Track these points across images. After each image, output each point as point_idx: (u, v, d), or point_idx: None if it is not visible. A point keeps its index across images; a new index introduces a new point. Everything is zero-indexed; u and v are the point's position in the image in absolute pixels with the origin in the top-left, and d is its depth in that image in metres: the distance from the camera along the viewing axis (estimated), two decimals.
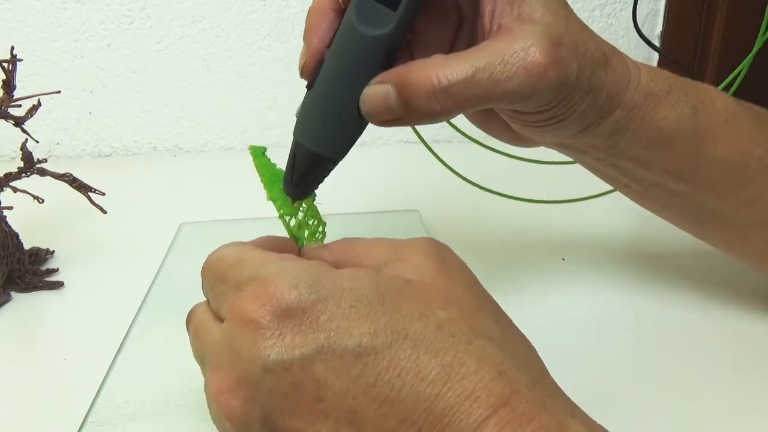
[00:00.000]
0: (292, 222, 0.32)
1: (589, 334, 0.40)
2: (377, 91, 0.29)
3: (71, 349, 0.40)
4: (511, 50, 0.28)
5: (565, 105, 0.31)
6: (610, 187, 0.41)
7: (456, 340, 0.22)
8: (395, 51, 0.30)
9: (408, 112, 0.29)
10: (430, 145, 0.52)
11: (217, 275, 0.26)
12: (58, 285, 0.47)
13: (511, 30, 0.29)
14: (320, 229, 0.33)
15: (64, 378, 0.38)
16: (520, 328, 0.26)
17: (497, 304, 0.26)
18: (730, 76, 0.47)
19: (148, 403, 0.34)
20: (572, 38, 0.30)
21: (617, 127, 0.33)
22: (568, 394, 0.24)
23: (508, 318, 0.26)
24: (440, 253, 0.26)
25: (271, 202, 0.32)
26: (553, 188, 0.55)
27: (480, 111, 0.37)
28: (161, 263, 0.47)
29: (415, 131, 0.51)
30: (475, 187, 0.53)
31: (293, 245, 0.31)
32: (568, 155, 0.38)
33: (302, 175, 0.31)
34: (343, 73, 0.29)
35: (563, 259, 0.49)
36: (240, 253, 0.26)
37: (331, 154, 0.31)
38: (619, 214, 0.55)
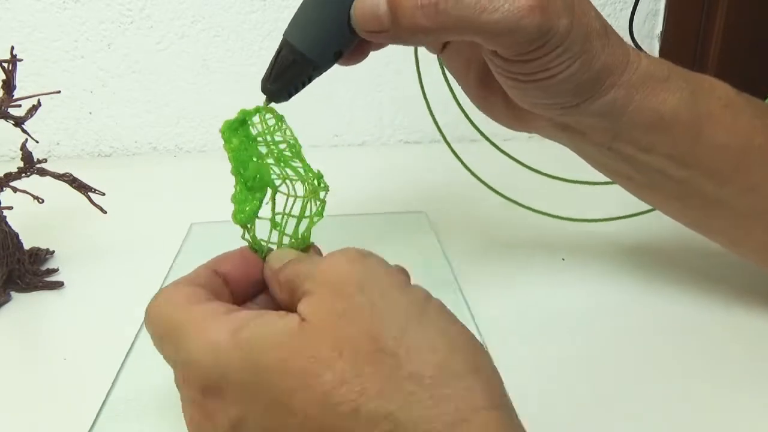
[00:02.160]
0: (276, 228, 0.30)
1: (590, 334, 0.40)
2: None
3: (71, 349, 0.40)
4: None
5: (553, 59, 0.31)
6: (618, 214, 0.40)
7: (341, 410, 0.21)
8: None
9: (395, 24, 0.30)
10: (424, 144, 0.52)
11: (155, 340, 0.27)
12: (58, 285, 0.47)
13: None
14: (317, 203, 0.30)
15: (63, 378, 0.38)
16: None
17: (413, 314, 0.23)
18: None
19: (162, 398, 0.34)
20: None
21: (615, 107, 0.33)
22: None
23: (430, 324, 0.23)
24: (337, 274, 0.24)
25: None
26: (566, 198, 0.55)
27: (478, 83, 0.38)
28: (172, 262, 0.47)
29: (440, 131, 0.51)
30: (479, 189, 0.53)
31: (252, 258, 0.30)
32: (567, 144, 0.38)
33: (281, 72, 0.32)
34: None
35: (563, 259, 0.49)
36: (167, 320, 0.27)
37: (312, 55, 0.31)
38: (619, 213, 0.55)
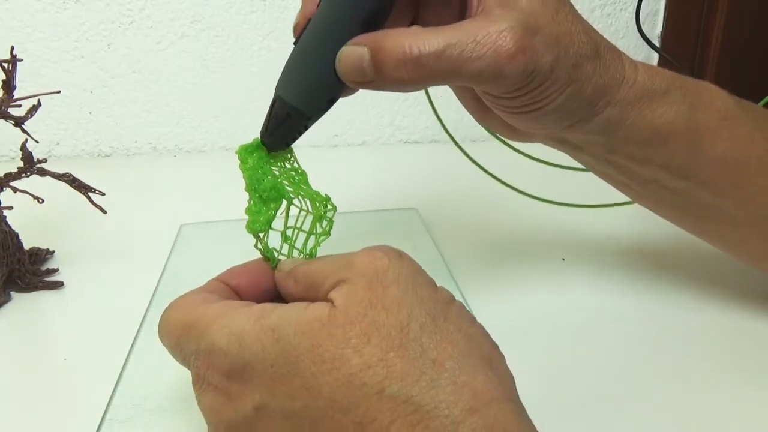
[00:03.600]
0: (292, 234, 0.31)
1: (589, 334, 0.40)
2: (353, 51, 0.30)
3: (71, 349, 0.40)
4: (484, 32, 0.29)
5: (540, 93, 0.31)
6: (620, 199, 0.41)
7: (366, 391, 0.22)
8: (379, 17, 0.30)
9: (379, 76, 0.29)
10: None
11: (173, 344, 0.28)
12: (58, 285, 0.47)
13: (491, 13, 0.29)
14: (325, 223, 0.31)
15: (64, 378, 0.38)
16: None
17: (439, 310, 0.25)
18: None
19: (167, 400, 0.34)
20: (555, 29, 0.30)
21: (610, 124, 0.33)
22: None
23: (452, 321, 0.24)
24: (375, 266, 0.25)
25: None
26: (570, 191, 0.55)
27: (475, 100, 0.38)
28: (165, 264, 0.47)
29: (446, 130, 0.51)
30: (479, 189, 0.53)
31: (263, 268, 0.31)
32: (565, 152, 0.38)
33: (276, 126, 0.32)
34: (324, 31, 0.30)
35: (563, 259, 0.49)
36: (183, 319, 0.27)
37: (304, 108, 0.31)
38: (619, 214, 0.55)
